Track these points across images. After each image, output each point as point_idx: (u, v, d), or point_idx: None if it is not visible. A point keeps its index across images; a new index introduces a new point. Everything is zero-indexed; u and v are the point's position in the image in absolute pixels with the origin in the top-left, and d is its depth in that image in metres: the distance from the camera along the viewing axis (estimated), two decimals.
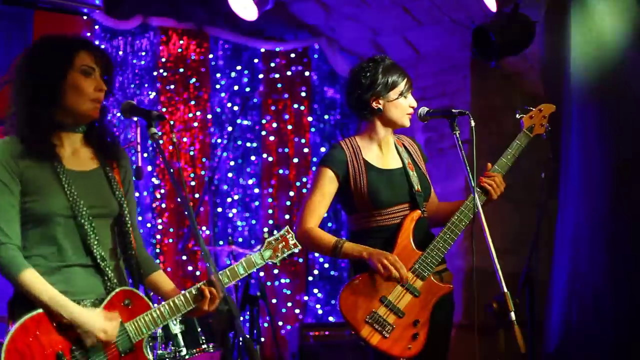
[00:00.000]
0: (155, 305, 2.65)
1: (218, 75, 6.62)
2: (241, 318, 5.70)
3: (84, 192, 2.61)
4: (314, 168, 6.93)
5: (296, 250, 2.92)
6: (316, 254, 6.77)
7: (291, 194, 6.79)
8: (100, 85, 2.62)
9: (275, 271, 6.61)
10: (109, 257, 2.65)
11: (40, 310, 2.48)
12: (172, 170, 2.52)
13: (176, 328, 4.27)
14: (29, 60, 2.63)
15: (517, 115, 3.52)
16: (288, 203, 6.77)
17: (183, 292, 2.65)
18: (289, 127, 6.87)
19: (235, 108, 6.64)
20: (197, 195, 6.27)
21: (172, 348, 4.28)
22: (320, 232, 3.34)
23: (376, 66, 3.38)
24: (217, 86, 6.61)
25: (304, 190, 6.80)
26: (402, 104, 3.39)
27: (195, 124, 6.43)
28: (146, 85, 6.23)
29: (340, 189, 3.38)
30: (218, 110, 6.61)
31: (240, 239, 6.58)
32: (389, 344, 3.20)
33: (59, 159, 2.61)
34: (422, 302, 3.26)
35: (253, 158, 6.78)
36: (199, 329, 4.44)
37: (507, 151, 3.46)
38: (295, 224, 3.37)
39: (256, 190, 6.75)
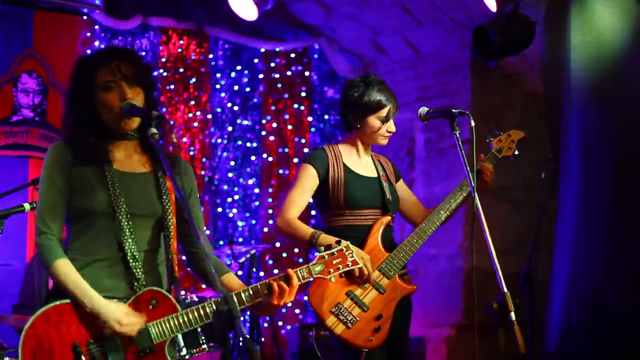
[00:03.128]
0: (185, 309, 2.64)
1: (218, 75, 6.62)
2: (241, 318, 5.69)
3: (128, 191, 2.65)
4: None
5: (354, 268, 2.76)
6: (316, 254, 6.77)
7: None
8: (124, 95, 2.62)
9: (276, 271, 6.62)
10: (143, 257, 2.66)
11: (63, 301, 2.54)
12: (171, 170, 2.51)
13: None
14: (70, 82, 2.72)
15: (487, 140, 3.76)
16: None
17: (215, 299, 2.65)
18: (289, 127, 6.87)
19: (235, 108, 6.64)
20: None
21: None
22: (299, 223, 3.48)
23: (366, 87, 3.57)
24: (217, 86, 6.61)
25: None
26: (377, 126, 3.57)
27: (195, 124, 6.43)
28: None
29: (318, 187, 3.56)
30: (218, 110, 6.62)
31: (240, 239, 6.59)
32: (352, 334, 3.35)
33: (108, 161, 2.67)
34: (386, 299, 3.43)
35: (253, 158, 6.78)
36: (199, 329, 4.44)
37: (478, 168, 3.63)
38: (276, 215, 3.53)
39: (256, 190, 6.75)
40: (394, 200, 3.66)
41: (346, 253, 2.75)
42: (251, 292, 2.64)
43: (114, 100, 2.62)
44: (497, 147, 3.73)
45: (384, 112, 3.56)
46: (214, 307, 2.61)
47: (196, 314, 2.60)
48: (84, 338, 2.52)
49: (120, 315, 2.53)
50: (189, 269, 2.88)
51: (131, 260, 2.62)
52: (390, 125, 3.60)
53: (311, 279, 2.73)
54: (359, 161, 3.65)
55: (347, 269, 2.74)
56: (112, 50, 2.74)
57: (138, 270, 2.63)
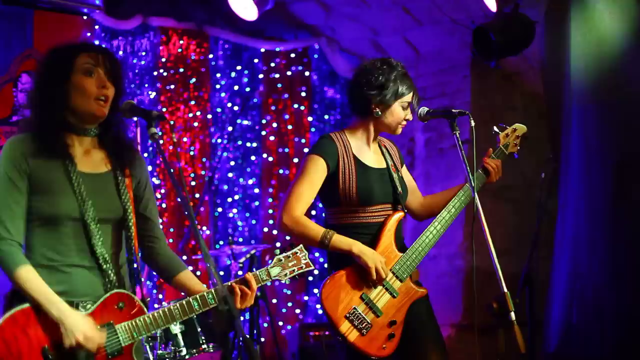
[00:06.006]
0: (154, 310, 2.64)
1: (218, 75, 6.62)
2: (241, 318, 5.69)
3: (93, 194, 2.63)
4: None
5: (308, 270, 2.84)
6: (316, 254, 6.78)
7: None
8: (103, 82, 2.62)
9: None
10: (111, 259, 2.66)
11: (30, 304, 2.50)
12: (172, 170, 2.51)
13: (176, 328, 4.28)
14: (39, 67, 2.70)
15: (494, 132, 3.62)
16: None
17: (180, 301, 2.65)
18: (289, 127, 6.87)
19: (235, 108, 6.64)
20: (197, 195, 6.28)
21: (172, 348, 4.28)
22: (308, 221, 3.29)
23: (390, 71, 3.36)
24: (217, 86, 6.61)
25: None
26: (399, 114, 3.39)
27: (195, 124, 6.43)
28: (146, 85, 6.23)
29: (327, 181, 3.34)
30: (218, 110, 6.62)
31: (240, 239, 6.59)
32: (366, 342, 3.21)
33: (71, 159, 2.63)
34: (399, 303, 3.30)
35: (253, 158, 6.78)
36: (199, 329, 4.44)
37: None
38: (280, 210, 3.31)
39: (256, 190, 6.75)
40: (405, 192, 3.48)
41: (300, 255, 2.82)
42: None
43: (92, 85, 2.61)
44: (503, 142, 3.59)
45: (408, 99, 3.39)
46: (179, 309, 2.62)
47: (162, 314, 2.61)
48: (52, 341, 2.48)
49: (87, 328, 2.49)
50: (144, 262, 2.87)
51: (104, 264, 2.61)
52: (409, 113, 3.43)
53: (269, 281, 2.77)
54: (368, 151, 3.44)
55: (301, 271, 2.82)
56: (94, 44, 2.79)
57: (110, 272, 2.62)
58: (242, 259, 5.43)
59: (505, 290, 3.00)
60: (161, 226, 6.29)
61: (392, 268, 3.30)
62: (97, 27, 5.98)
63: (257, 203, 6.75)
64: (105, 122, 2.70)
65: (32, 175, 2.57)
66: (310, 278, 6.87)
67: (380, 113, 3.37)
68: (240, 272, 5.48)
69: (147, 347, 4.10)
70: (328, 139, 3.38)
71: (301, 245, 2.83)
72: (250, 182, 6.74)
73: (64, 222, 2.58)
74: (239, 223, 6.65)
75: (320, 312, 6.82)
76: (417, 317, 3.35)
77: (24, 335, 2.45)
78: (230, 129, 6.52)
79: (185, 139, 6.35)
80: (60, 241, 2.59)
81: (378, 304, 3.25)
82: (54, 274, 2.57)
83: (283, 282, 2.79)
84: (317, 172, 3.31)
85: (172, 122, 6.21)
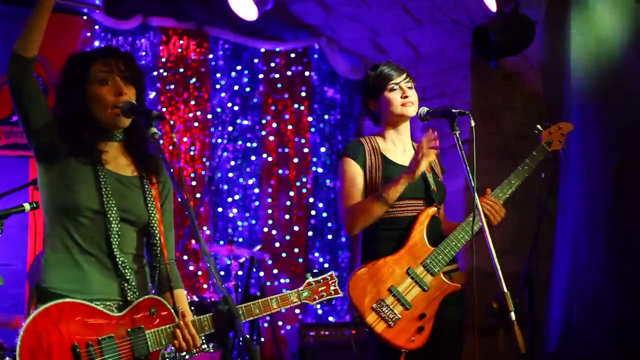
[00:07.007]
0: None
1: (218, 75, 6.62)
2: (241, 318, 5.69)
3: (118, 193, 2.63)
4: (314, 168, 6.94)
5: (336, 296, 2.99)
6: (316, 254, 6.78)
7: (291, 194, 6.79)
8: (120, 89, 2.61)
9: (275, 271, 6.62)
10: (131, 261, 2.65)
11: (66, 300, 2.50)
12: (172, 170, 2.52)
13: None
14: (57, 80, 2.71)
15: (536, 130, 3.58)
16: (288, 203, 6.77)
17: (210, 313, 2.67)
18: (289, 127, 6.87)
19: (236, 108, 6.65)
20: (197, 195, 6.28)
21: (172, 348, 4.27)
22: (360, 200, 3.37)
23: (373, 70, 3.51)
24: (217, 86, 6.61)
25: (304, 190, 6.80)
26: (393, 98, 3.44)
27: (195, 124, 6.43)
28: (146, 85, 6.23)
29: None
30: (218, 110, 6.62)
31: (240, 239, 6.59)
32: (393, 333, 3.22)
33: (99, 158, 2.64)
34: (429, 297, 3.30)
35: (253, 158, 6.78)
36: None
37: (525, 162, 3.54)
38: (340, 217, 3.47)
39: (256, 190, 6.75)
40: (440, 190, 3.48)
41: (330, 282, 2.99)
42: (243, 309, 2.72)
43: (108, 94, 2.61)
44: (546, 139, 3.55)
45: (395, 80, 3.43)
46: (209, 320, 2.66)
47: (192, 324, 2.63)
48: (83, 339, 2.48)
49: None
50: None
51: (120, 262, 2.60)
52: (406, 91, 3.44)
53: (298, 303, 2.92)
54: (398, 150, 3.50)
55: (329, 297, 2.98)
56: (110, 48, 2.75)
57: (127, 272, 2.61)
58: (242, 259, 5.42)
59: (505, 290, 3.00)
60: None
61: (424, 262, 3.32)
62: (97, 27, 5.98)
63: (257, 203, 6.75)
64: (130, 127, 2.69)
65: (62, 162, 2.58)
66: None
67: (378, 109, 3.49)
68: (240, 272, 5.48)
69: None
70: (355, 141, 3.52)
71: (332, 272, 2.99)
72: (250, 182, 6.74)
73: (84, 213, 2.57)
74: (239, 223, 6.66)
75: (320, 312, 6.82)
76: (442, 312, 3.35)
77: (56, 330, 2.45)
78: (230, 129, 6.52)
79: (185, 139, 6.35)
80: (78, 235, 2.57)
81: (407, 296, 3.27)
82: (70, 270, 2.56)
83: (311, 305, 2.96)
84: (351, 170, 3.43)
85: (172, 122, 6.21)
